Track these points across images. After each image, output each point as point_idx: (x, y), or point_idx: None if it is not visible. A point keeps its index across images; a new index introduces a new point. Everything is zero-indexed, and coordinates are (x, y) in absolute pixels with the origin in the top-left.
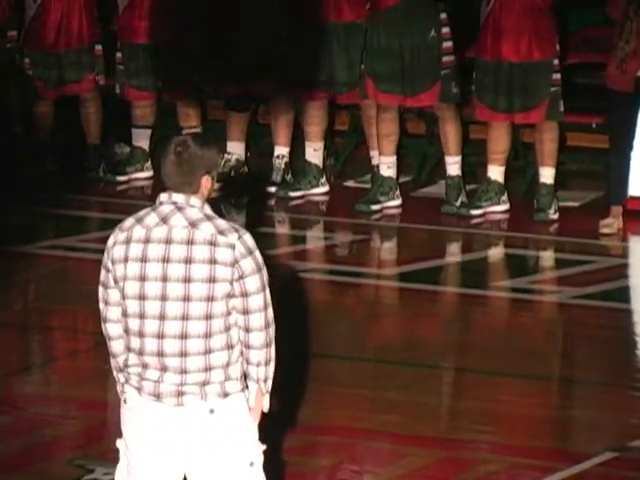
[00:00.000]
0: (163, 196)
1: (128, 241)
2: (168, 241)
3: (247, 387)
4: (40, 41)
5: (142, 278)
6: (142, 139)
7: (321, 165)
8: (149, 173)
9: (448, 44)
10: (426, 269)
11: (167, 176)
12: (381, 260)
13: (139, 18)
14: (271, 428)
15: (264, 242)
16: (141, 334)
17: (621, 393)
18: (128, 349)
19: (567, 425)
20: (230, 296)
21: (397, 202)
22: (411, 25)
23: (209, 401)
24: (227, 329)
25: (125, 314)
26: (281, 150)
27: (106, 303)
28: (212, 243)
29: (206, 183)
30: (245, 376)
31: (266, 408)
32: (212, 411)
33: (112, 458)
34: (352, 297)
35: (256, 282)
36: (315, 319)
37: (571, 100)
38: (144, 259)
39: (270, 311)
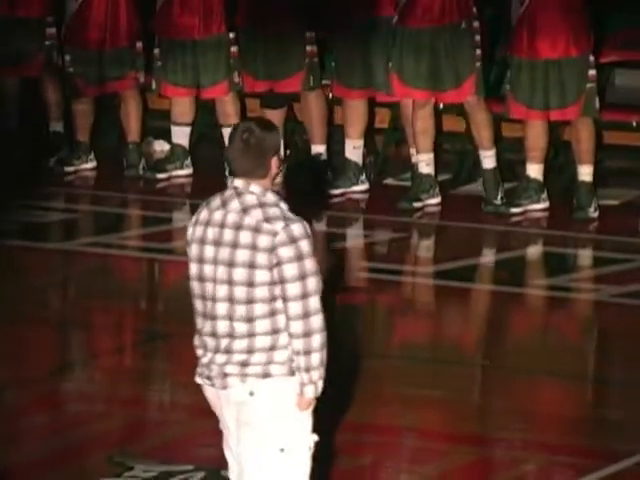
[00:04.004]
0: (229, 180)
1: (196, 223)
2: (222, 225)
3: (296, 373)
4: (82, 38)
5: (201, 260)
6: (182, 136)
7: (361, 163)
8: (189, 171)
9: (478, 38)
10: (465, 267)
11: (234, 162)
12: (421, 258)
13: (178, 14)
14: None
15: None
16: (203, 314)
17: None
18: (196, 329)
19: (605, 424)
20: (272, 283)
21: (437, 200)
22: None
23: (248, 383)
24: (273, 314)
25: (192, 295)
26: (318, 148)
27: (190, 280)
28: (256, 229)
29: (275, 163)
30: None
31: (309, 399)
32: (252, 393)
33: (152, 455)
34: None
35: (293, 270)
36: (354, 317)
37: (612, 98)
38: (203, 241)
39: (312, 301)
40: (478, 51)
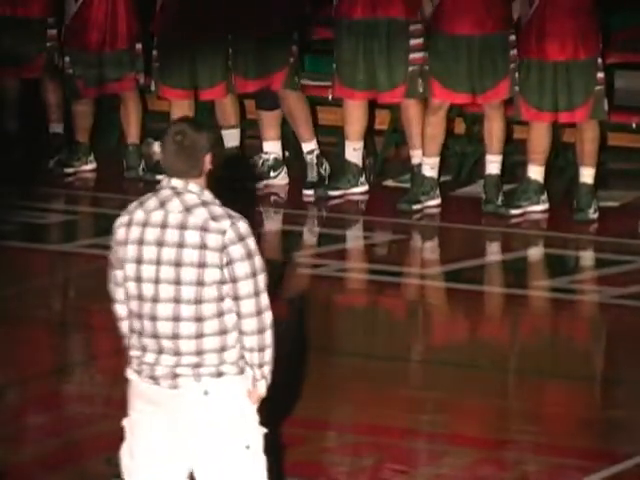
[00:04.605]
0: (164, 181)
1: (129, 224)
2: (164, 225)
3: (245, 371)
4: (82, 40)
5: (139, 260)
6: None
7: (360, 164)
8: None
9: (512, 38)
10: (466, 269)
11: (169, 164)
12: (421, 260)
13: (174, 16)
14: (311, 428)
15: (302, 241)
16: (140, 316)
17: None
18: (131, 330)
19: (609, 425)
20: (222, 282)
21: (437, 201)
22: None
23: (203, 382)
24: (220, 314)
25: (127, 296)
26: (309, 146)
27: (114, 284)
28: (204, 229)
29: (208, 160)
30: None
31: (262, 393)
32: (206, 392)
33: None
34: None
35: (245, 268)
36: (355, 319)
37: (612, 100)
38: (141, 242)
39: (263, 297)
40: (513, 51)
